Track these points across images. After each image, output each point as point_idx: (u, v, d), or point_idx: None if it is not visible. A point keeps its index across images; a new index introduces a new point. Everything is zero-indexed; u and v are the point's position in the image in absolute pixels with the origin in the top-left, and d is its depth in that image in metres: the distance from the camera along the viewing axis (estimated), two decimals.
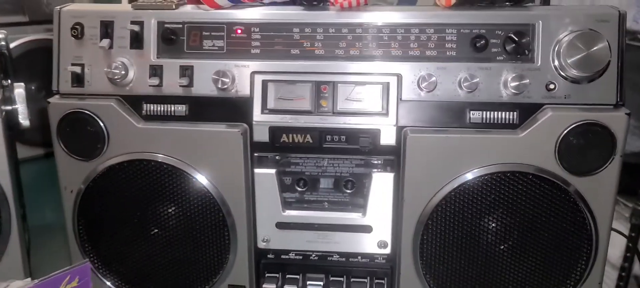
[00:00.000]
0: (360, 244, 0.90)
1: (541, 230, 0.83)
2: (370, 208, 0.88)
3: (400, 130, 0.84)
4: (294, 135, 0.86)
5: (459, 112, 0.83)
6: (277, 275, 0.93)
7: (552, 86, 0.80)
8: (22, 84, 0.96)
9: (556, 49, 0.80)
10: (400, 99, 0.84)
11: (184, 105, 0.87)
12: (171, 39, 0.86)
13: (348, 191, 0.89)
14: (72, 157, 0.88)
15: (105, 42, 0.85)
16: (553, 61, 0.80)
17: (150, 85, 0.86)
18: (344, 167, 0.88)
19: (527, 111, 0.82)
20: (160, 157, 0.87)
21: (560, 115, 0.80)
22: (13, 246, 0.94)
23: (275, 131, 0.86)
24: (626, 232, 1.82)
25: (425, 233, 0.85)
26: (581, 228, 0.83)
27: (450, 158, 0.82)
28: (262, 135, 0.86)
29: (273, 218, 0.90)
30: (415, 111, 0.84)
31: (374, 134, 0.85)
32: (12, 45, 1.43)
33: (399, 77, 0.83)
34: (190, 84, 0.86)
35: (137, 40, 0.86)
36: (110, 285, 0.93)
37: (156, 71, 0.86)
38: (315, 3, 0.85)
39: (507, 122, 0.82)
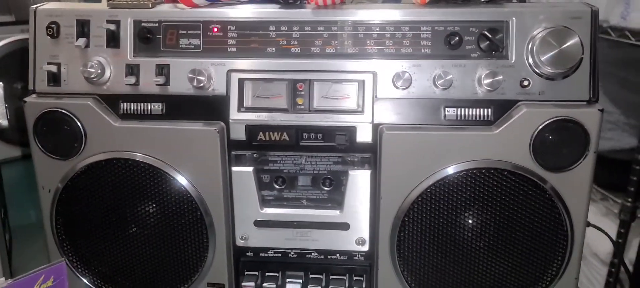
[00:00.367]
0: (338, 241, 0.90)
1: (517, 226, 0.84)
2: (348, 205, 0.88)
3: (376, 127, 0.84)
4: (271, 133, 0.86)
5: (434, 109, 0.83)
6: (257, 273, 0.93)
7: (526, 83, 0.81)
8: (0, 83, 0.96)
9: (530, 45, 0.80)
10: (376, 97, 0.84)
11: (160, 104, 0.87)
12: (147, 38, 0.86)
13: (326, 188, 0.89)
14: (49, 157, 0.88)
15: (82, 41, 0.85)
16: (527, 58, 0.80)
17: (127, 84, 0.86)
18: (321, 165, 0.88)
19: (501, 108, 0.82)
20: (138, 156, 0.87)
21: (534, 112, 0.80)
22: None
23: (252, 129, 0.86)
24: (616, 227, 1.83)
25: (402, 230, 0.86)
26: (557, 224, 0.83)
27: (426, 155, 0.83)
28: (239, 133, 0.86)
29: (251, 216, 0.90)
30: (390, 108, 0.84)
31: (350, 132, 0.85)
32: None
33: (375, 75, 0.83)
34: (166, 83, 0.86)
35: (113, 39, 0.86)
36: (89, 284, 0.93)
37: (133, 70, 0.86)
38: (291, 1, 0.86)
39: (482, 118, 0.83)
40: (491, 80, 0.80)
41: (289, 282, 0.92)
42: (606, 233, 1.33)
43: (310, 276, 0.93)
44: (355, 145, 0.85)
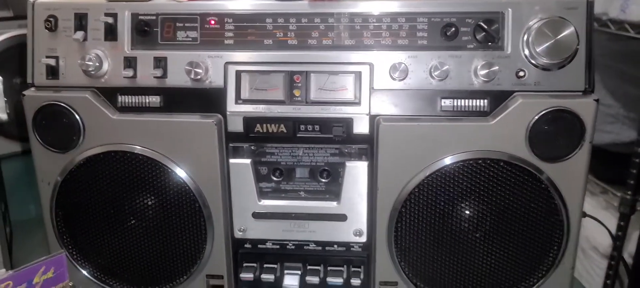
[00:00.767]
0: (336, 233, 0.91)
1: (514, 216, 0.84)
2: (345, 197, 0.89)
3: (372, 119, 0.85)
4: (268, 125, 0.86)
5: (431, 100, 0.84)
6: (255, 264, 0.94)
7: (522, 73, 0.81)
8: (0, 77, 0.96)
9: (526, 36, 0.80)
10: (373, 88, 0.84)
11: (158, 97, 0.87)
12: (145, 31, 0.86)
13: (323, 180, 0.90)
14: (49, 150, 0.88)
15: (79, 35, 0.86)
16: (523, 49, 0.81)
17: (124, 77, 0.86)
18: (319, 157, 0.89)
19: (497, 98, 0.82)
20: (136, 149, 0.87)
21: (530, 102, 0.80)
22: None
23: (249, 121, 0.86)
24: (616, 220, 1.83)
25: (400, 220, 0.86)
26: (553, 214, 0.84)
27: (423, 146, 0.83)
28: (236, 125, 0.87)
29: (249, 208, 0.91)
30: (387, 100, 0.84)
31: (347, 123, 0.85)
32: None
33: (371, 66, 0.84)
34: (164, 75, 0.86)
35: (111, 32, 0.86)
36: (88, 275, 0.93)
37: (130, 63, 0.87)
38: None
39: (478, 109, 0.83)
40: (487, 71, 0.80)
41: (287, 273, 0.93)
42: (603, 224, 1.34)
43: (309, 267, 0.93)
44: (352, 137, 0.86)
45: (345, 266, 0.93)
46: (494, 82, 0.81)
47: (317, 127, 0.86)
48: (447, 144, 0.83)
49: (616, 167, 1.79)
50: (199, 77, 0.85)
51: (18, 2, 1.62)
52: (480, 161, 0.82)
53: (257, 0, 0.86)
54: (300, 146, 0.88)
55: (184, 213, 0.89)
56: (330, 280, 0.92)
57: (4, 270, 0.77)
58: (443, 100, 0.83)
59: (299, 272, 0.93)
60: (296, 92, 0.85)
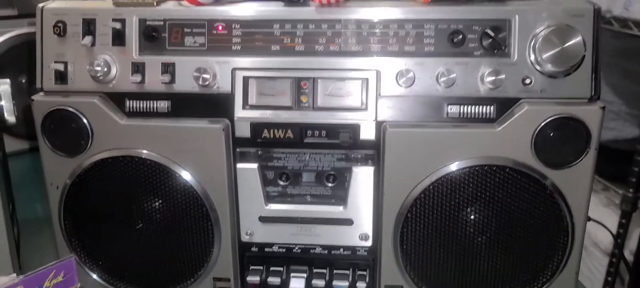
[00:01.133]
0: (342, 237, 0.92)
1: (519, 222, 0.85)
2: (351, 201, 0.89)
3: (379, 125, 0.85)
4: (275, 131, 0.87)
5: (437, 106, 0.84)
6: (261, 267, 0.95)
7: (528, 81, 0.81)
8: (7, 80, 0.97)
9: (532, 43, 0.80)
10: (380, 94, 0.85)
11: (166, 102, 0.88)
12: (153, 36, 0.87)
13: (330, 185, 0.90)
14: (57, 154, 0.89)
15: (88, 40, 0.86)
16: (529, 56, 0.81)
17: (132, 82, 0.87)
18: (325, 161, 0.89)
19: (504, 105, 0.83)
20: (144, 153, 0.88)
21: (536, 110, 0.81)
22: (1, 241, 0.96)
23: (257, 127, 0.87)
24: (617, 218, 1.84)
25: (405, 225, 0.87)
26: (558, 220, 0.85)
27: (429, 152, 0.84)
28: (243, 130, 0.87)
29: (256, 212, 0.91)
30: (394, 106, 0.85)
31: (354, 129, 0.86)
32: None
33: (378, 73, 0.84)
34: (172, 81, 0.87)
35: (119, 38, 0.87)
36: (97, 279, 0.94)
37: (138, 68, 0.87)
38: (295, 0, 0.86)
39: (484, 116, 0.83)
40: (494, 78, 0.81)
41: (294, 277, 0.94)
42: (606, 228, 1.35)
43: (315, 270, 0.94)
44: (359, 142, 0.86)
45: (350, 269, 0.94)
46: (501, 89, 0.82)
47: (323, 133, 0.87)
48: (453, 150, 0.83)
49: (618, 164, 1.80)
50: (206, 82, 0.85)
51: (22, 1, 1.62)
52: (486, 167, 0.83)
53: (265, 7, 0.87)
54: (307, 151, 0.89)
55: (191, 217, 0.90)
56: (336, 283, 0.93)
57: (14, 274, 0.78)
58: (449, 107, 0.84)
59: (305, 275, 0.94)
60: (303, 98, 0.86)
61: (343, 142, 0.87)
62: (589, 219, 0.93)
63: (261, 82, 0.86)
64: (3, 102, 0.96)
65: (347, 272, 0.93)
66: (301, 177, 0.90)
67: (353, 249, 0.93)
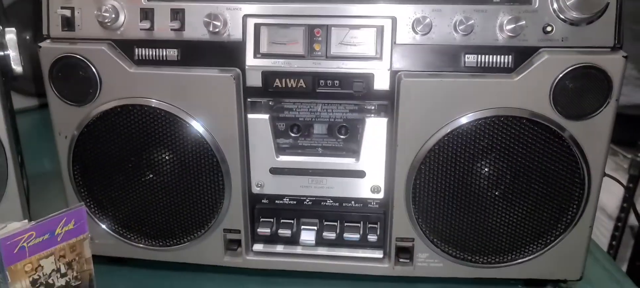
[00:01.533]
0: (353, 189, 0.91)
1: (534, 174, 0.84)
2: (364, 153, 0.88)
3: (394, 74, 0.83)
4: (287, 80, 0.85)
5: (454, 55, 0.82)
6: (272, 219, 0.94)
7: (549, 28, 0.79)
8: (13, 29, 0.95)
9: None
10: (395, 43, 0.82)
11: (175, 50, 0.86)
12: None
13: (342, 136, 0.89)
14: (65, 103, 0.88)
15: None
16: (551, 3, 0.78)
17: (141, 29, 0.85)
18: (337, 113, 0.88)
19: (522, 55, 0.80)
20: (153, 102, 0.86)
21: (556, 59, 0.79)
22: (11, 190, 0.95)
23: (268, 76, 0.85)
24: (625, 183, 1.83)
25: (418, 178, 0.86)
26: (574, 173, 0.83)
27: (444, 102, 0.82)
28: (255, 80, 0.85)
29: (267, 163, 0.90)
30: (409, 55, 0.83)
31: (368, 79, 0.84)
32: None
33: (394, 20, 0.82)
34: (181, 28, 0.84)
35: None
36: (106, 229, 0.94)
37: (147, 14, 0.85)
38: None
39: (502, 66, 0.81)
40: (513, 25, 0.78)
41: (304, 229, 0.93)
42: (620, 182, 1.34)
43: (325, 223, 0.93)
44: (373, 93, 0.85)
45: (361, 222, 0.93)
46: (520, 38, 0.80)
47: (337, 83, 0.85)
48: (469, 100, 0.82)
49: (627, 129, 1.78)
50: (217, 29, 0.83)
51: None
52: (502, 118, 0.81)
53: None
54: (318, 102, 0.87)
55: (201, 168, 0.89)
56: (347, 235, 0.92)
57: (26, 221, 0.77)
58: (467, 56, 0.81)
59: (316, 228, 0.93)
60: (316, 47, 0.83)
61: (356, 92, 0.85)
62: (604, 174, 0.92)
63: (273, 30, 0.84)
64: (10, 51, 0.94)
65: (358, 224, 0.93)
66: (312, 128, 0.89)
67: (364, 202, 0.92)
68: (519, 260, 0.89)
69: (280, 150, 0.90)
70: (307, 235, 0.93)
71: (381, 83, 0.84)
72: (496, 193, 0.85)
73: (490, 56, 0.81)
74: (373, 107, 0.86)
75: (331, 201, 0.93)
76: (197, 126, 0.87)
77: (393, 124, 0.85)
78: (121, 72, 0.86)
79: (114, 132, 0.88)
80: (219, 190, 0.90)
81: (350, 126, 0.88)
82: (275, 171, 0.91)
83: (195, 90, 0.85)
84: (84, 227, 0.81)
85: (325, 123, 0.88)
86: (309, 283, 0.96)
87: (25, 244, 0.75)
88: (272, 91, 0.86)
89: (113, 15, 0.84)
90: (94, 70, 0.86)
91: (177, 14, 0.84)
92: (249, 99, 0.87)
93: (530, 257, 0.89)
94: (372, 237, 0.92)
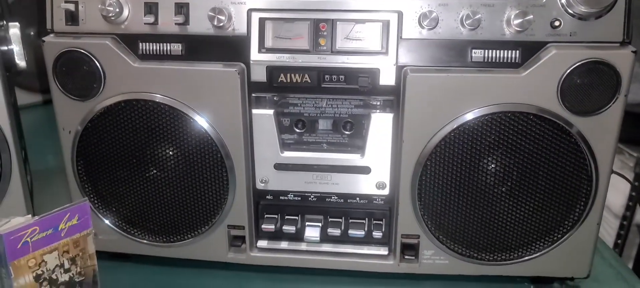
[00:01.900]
0: (358, 185, 0.90)
1: (541, 170, 0.83)
2: (369, 149, 0.87)
3: (400, 69, 0.82)
4: (292, 75, 0.85)
5: (461, 50, 0.81)
6: (276, 216, 0.94)
7: (557, 23, 0.78)
8: (17, 23, 0.95)
9: None
10: (401, 37, 0.82)
11: (179, 44, 0.85)
12: None
13: (347, 132, 0.88)
14: (69, 97, 0.87)
15: None
16: None
17: (145, 23, 0.84)
18: (342, 108, 0.87)
19: (530, 50, 0.80)
20: (157, 97, 0.86)
21: (564, 54, 0.78)
22: (15, 185, 0.95)
23: (273, 71, 0.84)
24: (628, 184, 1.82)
25: (424, 174, 0.85)
26: (581, 169, 0.83)
27: (451, 98, 0.81)
28: (259, 74, 0.85)
29: (271, 159, 0.90)
30: (415, 50, 0.82)
31: (374, 74, 0.83)
32: None
33: (400, 15, 0.81)
34: (186, 22, 0.84)
35: None
36: (110, 224, 0.94)
37: (151, 9, 0.84)
38: None
39: (509, 61, 0.80)
40: (521, 20, 0.78)
41: (309, 225, 0.93)
42: (626, 178, 1.33)
43: (330, 219, 0.93)
44: (378, 88, 0.84)
45: (367, 219, 0.93)
46: (528, 32, 0.79)
47: (342, 78, 0.84)
48: (476, 96, 0.81)
49: (632, 127, 1.77)
50: (221, 24, 0.82)
51: None
52: (509, 114, 0.81)
53: None
54: (324, 97, 0.86)
55: (205, 163, 0.88)
56: (352, 232, 0.92)
57: (29, 216, 0.77)
58: (474, 51, 0.81)
59: (320, 224, 0.93)
60: (321, 41, 0.83)
61: (362, 87, 0.84)
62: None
63: (278, 24, 0.83)
64: (13, 46, 0.94)
65: (363, 221, 0.92)
66: (317, 123, 0.88)
67: (370, 198, 0.91)
68: (526, 258, 0.88)
69: (284, 145, 0.89)
70: (312, 232, 0.92)
71: (387, 78, 0.83)
72: (503, 189, 0.85)
73: (498, 51, 0.80)
74: (378, 103, 0.85)
75: (336, 197, 0.92)
76: (201, 121, 0.86)
77: (399, 119, 0.84)
78: (125, 67, 0.85)
79: (117, 127, 0.88)
80: (223, 186, 0.90)
81: (356, 122, 0.87)
82: (279, 167, 0.90)
83: (200, 85, 0.85)
84: (87, 223, 0.81)
85: (330, 118, 0.88)
86: (314, 280, 0.95)
87: (28, 239, 0.75)
88: (277, 86, 0.85)
89: (117, 9, 0.83)
90: (97, 64, 0.85)
91: (182, 8, 0.84)
92: (253, 94, 0.86)
93: (537, 254, 0.88)
94: (377, 234, 0.91)
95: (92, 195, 0.93)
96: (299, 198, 0.93)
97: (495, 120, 0.81)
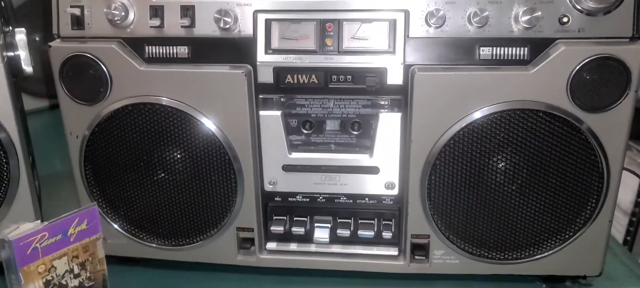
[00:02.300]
0: (367, 186, 0.90)
1: (551, 169, 0.82)
2: (377, 149, 0.87)
3: (407, 68, 0.82)
4: (299, 76, 0.84)
5: (469, 48, 0.80)
6: (285, 217, 0.93)
7: (565, 19, 0.77)
8: (23, 29, 0.95)
9: None
10: (408, 36, 0.81)
11: (186, 47, 0.85)
12: None
13: (355, 132, 0.88)
14: (76, 102, 0.87)
15: None
16: None
17: (151, 27, 0.84)
18: (350, 108, 0.86)
19: (538, 46, 0.79)
20: (164, 101, 0.86)
21: (573, 50, 0.77)
22: (23, 191, 0.95)
23: (280, 72, 0.84)
24: (639, 179, 1.81)
25: (433, 173, 0.85)
26: (592, 166, 0.82)
27: (459, 96, 0.81)
28: (266, 76, 0.84)
29: (279, 160, 0.89)
30: (423, 48, 0.81)
31: (381, 73, 0.83)
32: None
33: (407, 13, 0.81)
34: (191, 25, 0.84)
35: None
36: (119, 229, 0.94)
37: (157, 12, 0.84)
38: None
39: (517, 58, 0.80)
40: (529, 16, 0.77)
41: (318, 226, 0.92)
42: (635, 173, 1.32)
43: (339, 220, 0.92)
44: (386, 87, 0.83)
45: (376, 219, 0.92)
46: (536, 29, 0.78)
47: (349, 78, 0.84)
48: (484, 94, 0.80)
49: None
50: (228, 26, 0.82)
51: None
52: (518, 112, 0.80)
53: None
54: (331, 97, 0.86)
55: (213, 166, 0.88)
56: (361, 233, 0.91)
57: (38, 221, 0.77)
58: (481, 49, 0.80)
59: (330, 225, 0.92)
60: (328, 41, 0.82)
61: (369, 87, 0.84)
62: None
63: (284, 25, 0.83)
64: (20, 52, 0.94)
65: (372, 221, 0.92)
66: (325, 124, 0.88)
67: (379, 198, 0.91)
68: (538, 256, 0.88)
69: (292, 147, 0.89)
70: (321, 233, 0.92)
71: (394, 77, 0.83)
72: (513, 188, 0.84)
73: (506, 48, 0.80)
74: (386, 102, 0.85)
75: (345, 198, 0.91)
76: (209, 124, 0.86)
77: (407, 119, 0.84)
78: (131, 71, 0.85)
79: (125, 131, 0.88)
80: (232, 189, 0.89)
81: (363, 122, 0.87)
82: (287, 168, 0.90)
83: (207, 88, 0.85)
84: (96, 227, 0.81)
85: (337, 119, 0.87)
86: (324, 282, 0.95)
87: (38, 245, 0.75)
88: (284, 87, 0.85)
89: (122, 13, 0.83)
90: (104, 68, 0.85)
91: (187, 11, 0.84)
92: (260, 96, 0.86)
93: (548, 253, 0.87)
94: (386, 234, 0.91)
95: (100, 200, 0.93)
96: (308, 200, 0.92)
97: (504, 118, 0.80)
